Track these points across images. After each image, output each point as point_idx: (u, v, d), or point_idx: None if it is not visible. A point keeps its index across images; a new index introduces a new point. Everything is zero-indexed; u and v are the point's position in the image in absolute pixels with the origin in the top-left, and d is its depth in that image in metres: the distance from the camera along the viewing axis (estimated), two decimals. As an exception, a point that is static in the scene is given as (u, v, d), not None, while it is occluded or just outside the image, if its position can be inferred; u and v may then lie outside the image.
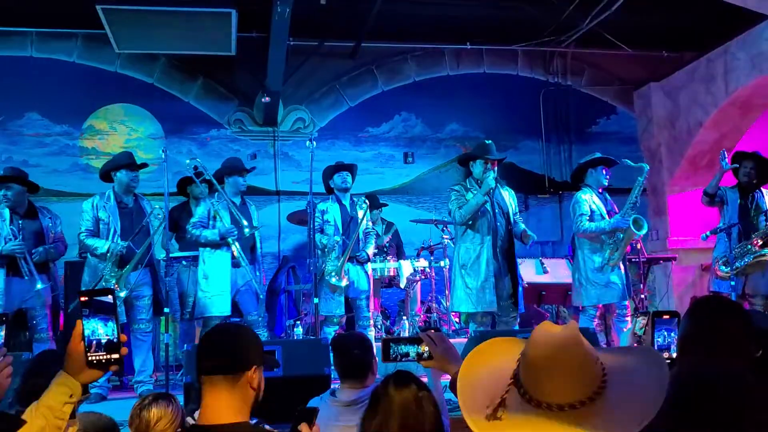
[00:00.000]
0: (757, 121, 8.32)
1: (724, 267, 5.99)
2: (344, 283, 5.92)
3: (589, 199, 5.90)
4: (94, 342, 1.60)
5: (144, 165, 5.80)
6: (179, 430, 2.58)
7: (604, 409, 1.32)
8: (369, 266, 6.30)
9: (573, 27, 8.35)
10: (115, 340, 1.61)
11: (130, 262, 5.41)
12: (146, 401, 2.57)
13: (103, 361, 1.60)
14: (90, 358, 1.59)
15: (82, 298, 1.62)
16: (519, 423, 1.37)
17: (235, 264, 5.69)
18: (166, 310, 5.43)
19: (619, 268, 5.83)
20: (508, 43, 8.97)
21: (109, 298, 1.62)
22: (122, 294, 5.35)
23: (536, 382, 1.37)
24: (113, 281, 5.36)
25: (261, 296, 5.80)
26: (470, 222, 5.59)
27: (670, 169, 8.81)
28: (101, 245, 5.43)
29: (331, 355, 3.48)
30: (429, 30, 8.61)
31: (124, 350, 1.62)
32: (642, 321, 3.17)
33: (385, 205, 7.84)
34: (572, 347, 1.35)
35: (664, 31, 8.66)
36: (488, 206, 5.55)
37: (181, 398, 4.43)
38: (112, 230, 5.51)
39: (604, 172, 5.98)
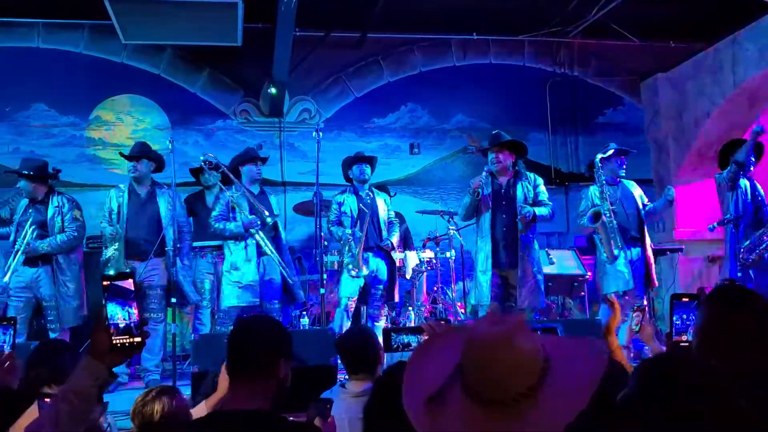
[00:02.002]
0: (765, 113, 8.27)
1: (748, 255, 5.97)
2: (364, 272, 6.05)
3: (592, 195, 5.93)
4: (113, 326, 1.63)
5: (135, 157, 5.79)
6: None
7: (540, 402, 1.34)
8: (396, 255, 6.44)
9: (580, 17, 8.31)
10: (132, 324, 1.63)
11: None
12: (150, 395, 2.57)
13: (126, 344, 1.63)
14: (114, 342, 1.62)
15: (104, 283, 1.65)
16: (457, 415, 1.40)
17: (261, 253, 5.77)
18: (173, 300, 5.48)
19: (630, 258, 5.84)
20: (514, 33, 8.95)
21: (129, 283, 1.66)
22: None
23: (474, 378, 1.40)
24: (113, 269, 5.49)
25: (291, 281, 5.85)
26: (474, 218, 5.66)
27: (676, 160, 8.78)
28: (106, 231, 5.70)
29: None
30: (435, 20, 8.59)
31: (146, 334, 1.65)
32: (637, 317, 3.17)
33: (394, 194, 7.85)
34: (506, 347, 1.37)
35: (672, 22, 8.61)
36: (491, 201, 5.54)
37: (187, 389, 4.47)
38: (121, 219, 5.67)
39: (618, 162, 5.99)
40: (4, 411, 1.71)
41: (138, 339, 1.64)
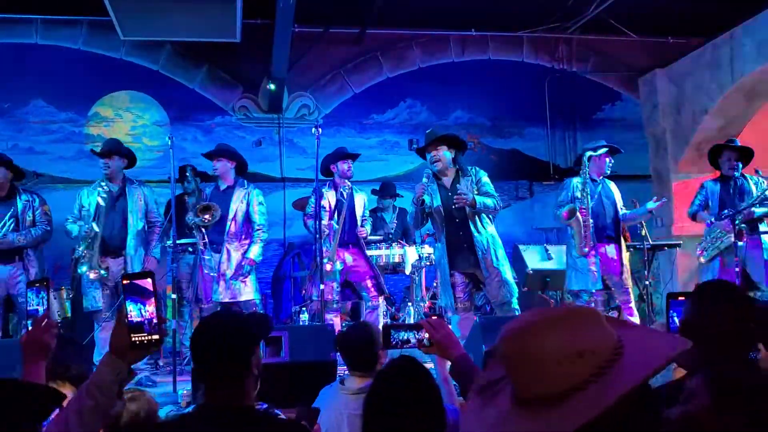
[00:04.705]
0: (763, 109, 8.29)
1: (703, 253, 6.20)
2: (339, 266, 6.05)
3: (574, 186, 5.89)
4: (131, 324, 1.67)
5: (106, 153, 5.83)
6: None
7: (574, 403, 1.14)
8: (370, 251, 6.47)
9: (579, 13, 8.32)
10: (145, 322, 1.67)
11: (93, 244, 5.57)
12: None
13: (144, 342, 1.68)
14: (133, 339, 1.67)
15: (124, 282, 1.71)
16: (496, 415, 1.23)
17: (213, 250, 5.86)
18: (173, 296, 5.50)
19: (605, 255, 5.84)
20: (513, 29, 8.95)
21: (147, 282, 1.69)
22: (91, 275, 5.49)
23: (510, 375, 1.23)
24: (86, 265, 5.50)
25: (212, 275, 5.85)
26: (430, 223, 5.55)
27: (674, 155, 8.79)
28: (74, 229, 5.66)
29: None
30: (434, 16, 8.59)
31: (164, 332, 1.68)
32: (613, 315, 3.19)
33: (400, 196, 7.86)
34: (532, 339, 1.19)
35: (670, 17, 8.62)
36: (442, 208, 5.37)
37: (188, 384, 4.49)
38: (91, 216, 5.65)
39: (607, 160, 5.96)
40: (29, 407, 1.74)
41: (156, 336, 1.68)
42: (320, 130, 5.93)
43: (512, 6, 8.28)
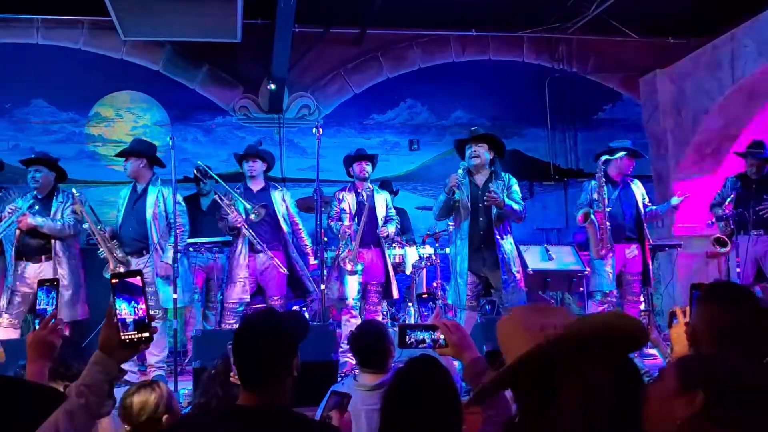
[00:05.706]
0: (763, 109, 8.28)
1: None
2: (358, 267, 6.06)
3: (591, 189, 6.01)
4: (121, 322, 1.67)
5: (121, 155, 5.84)
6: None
7: None
8: (394, 251, 6.64)
9: (579, 13, 8.32)
10: (138, 319, 1.67)
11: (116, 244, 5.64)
12: (130, 391, 2.59)
13: (135, 340, 1.67)
14: (122, 338, 1.66)
15: (113, 281, 1.69)
16: None
17: (256, 250, 5.87)
18: (174, 296, 5.49)
19: (624, 257, 5.94)
20: (513, 29, 8.96)
21: (137, 280, 1.69)
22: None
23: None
24: (106, 266, 5.56)
25: (286, 272, 5.92)
26: (453, 217, 5.53)
27: (675, 156, 8.78)
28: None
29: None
30: (434, 16, 8.60)
31: (154, 330, 1.68)
32: (644, 320, 3.20)
33: (396, 191, 7.86)
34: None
35: (671, 17, 8.63)
36: (469, 203, 5.38)
37: (189, 384, 4.49)
38: (117, 216, 5.73)
39: (627, 162, 6.05)
40: (29, 406, 1.74)
41: (146, 335, 1.67)
42: (321, 130, 5.94)
43: (512, 6, 8.29)
